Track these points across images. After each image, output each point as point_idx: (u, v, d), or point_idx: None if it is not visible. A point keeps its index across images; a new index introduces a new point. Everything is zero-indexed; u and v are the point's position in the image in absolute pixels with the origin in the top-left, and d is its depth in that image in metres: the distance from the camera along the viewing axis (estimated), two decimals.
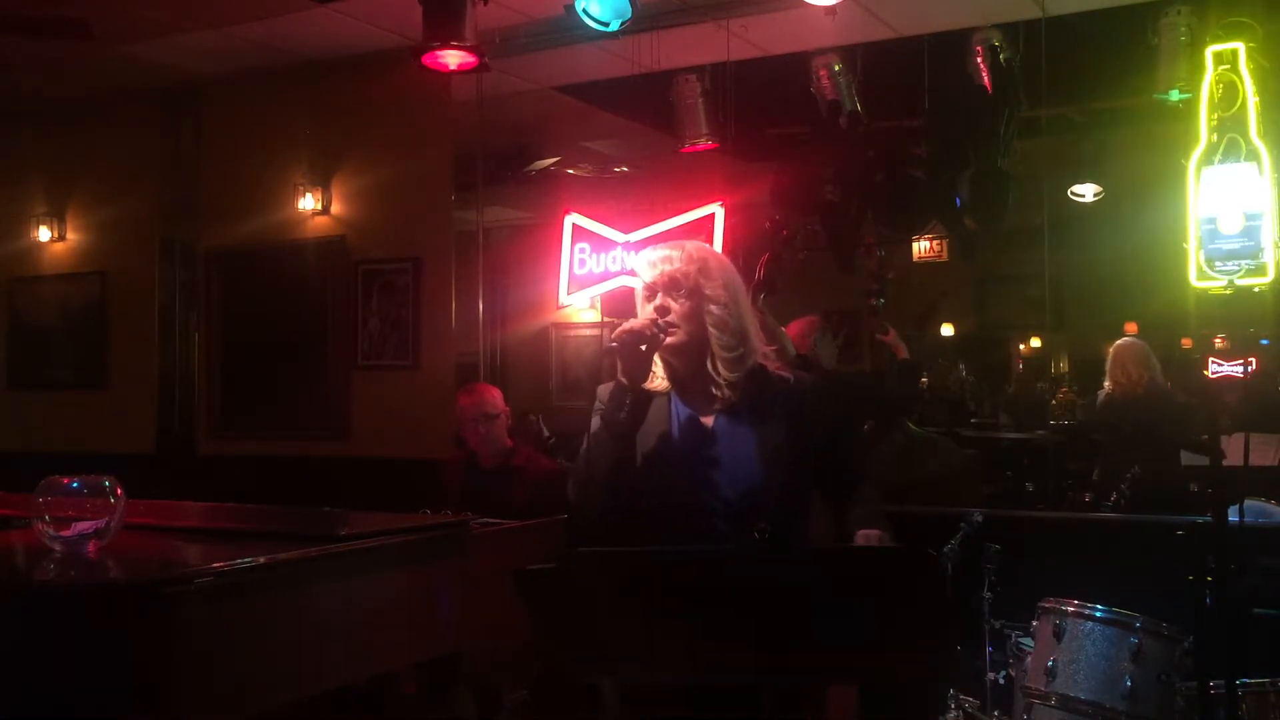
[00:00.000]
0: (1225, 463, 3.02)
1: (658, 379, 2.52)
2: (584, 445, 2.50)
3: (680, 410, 2.51)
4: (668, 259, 2.48)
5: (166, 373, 6.83)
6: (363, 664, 2.82)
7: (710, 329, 2.45)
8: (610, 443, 2.43)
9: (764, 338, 2.59)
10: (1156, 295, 6.02)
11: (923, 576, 1.90)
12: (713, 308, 2.45)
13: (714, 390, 2.47)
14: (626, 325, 2.42)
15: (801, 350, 5.06)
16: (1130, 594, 3.43)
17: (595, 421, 2.48)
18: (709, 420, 2.49)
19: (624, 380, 2.42)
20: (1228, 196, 4.67)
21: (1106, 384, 5.96)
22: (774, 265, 6.58)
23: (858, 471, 2.60)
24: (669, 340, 2.44)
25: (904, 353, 5.38)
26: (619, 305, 6.30)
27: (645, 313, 2.47)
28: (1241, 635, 2.89)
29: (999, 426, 8.57)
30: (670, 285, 2.46)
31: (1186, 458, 5.08)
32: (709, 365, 2.46)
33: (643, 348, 2.41)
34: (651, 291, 2.48)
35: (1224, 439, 4.37)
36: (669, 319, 2.44)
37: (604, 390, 2.48)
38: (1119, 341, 6.00)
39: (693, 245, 2.55)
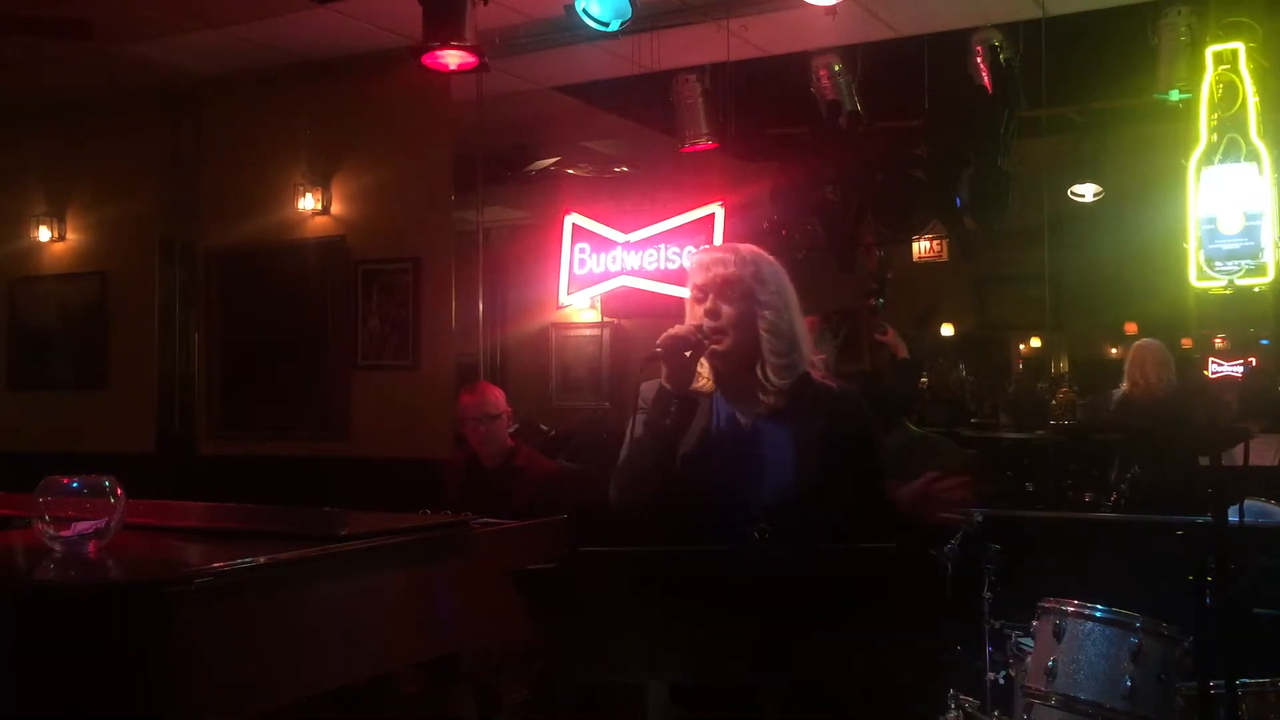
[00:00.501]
0: (1225, 463, 3.01)
1: (703, 379, 2.51)
2: (625, 448, 2.48)
3: (722, 410, 2.50)
4: (721, 261, 2.47)
5: (166, 373, 6.83)
6: (363, 664, 2.82)
7: (763, 334, 2.43)
8: (654, 448, 2.42)
9: (812, 346, 2.58)
10: (1156, 295, 6.02)
11: (923, 576, 1.90)
12: (766, 313, 2.43)
13: (760, 395, 2.45)
14: (671, 331, 2.41)
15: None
16: (1130, 594, 3.43)
17: (638, 421, 2.46)
18: (751, 423, 2.48)
19: (668, 385, 2.41)
20: (1228, 196, 4.67)
21: (1124, 384, 5.93)
22: None
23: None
24: (717, 347, 2.43)
25: (903, 352, 5.38)
26: (619, 305, 6.31)
27: (694, 314, 2.46)
28: (1241, 635, 2.89)
29: (999, 426, 8.57)
30: (723, 288, 2.45)
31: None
32: (758, 371, 2.44)
33: (688, 353, 2.41)
34: (703, 293, 2.46)
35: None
36: (719, 324, 2.43)
37: (647, 389, 2.47)
38: (1139, 342, 5.95)
39: (746, 248, 2.53)
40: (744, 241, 2.64)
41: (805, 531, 2.38)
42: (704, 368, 2.50)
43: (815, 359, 2.56)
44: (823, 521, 2.40)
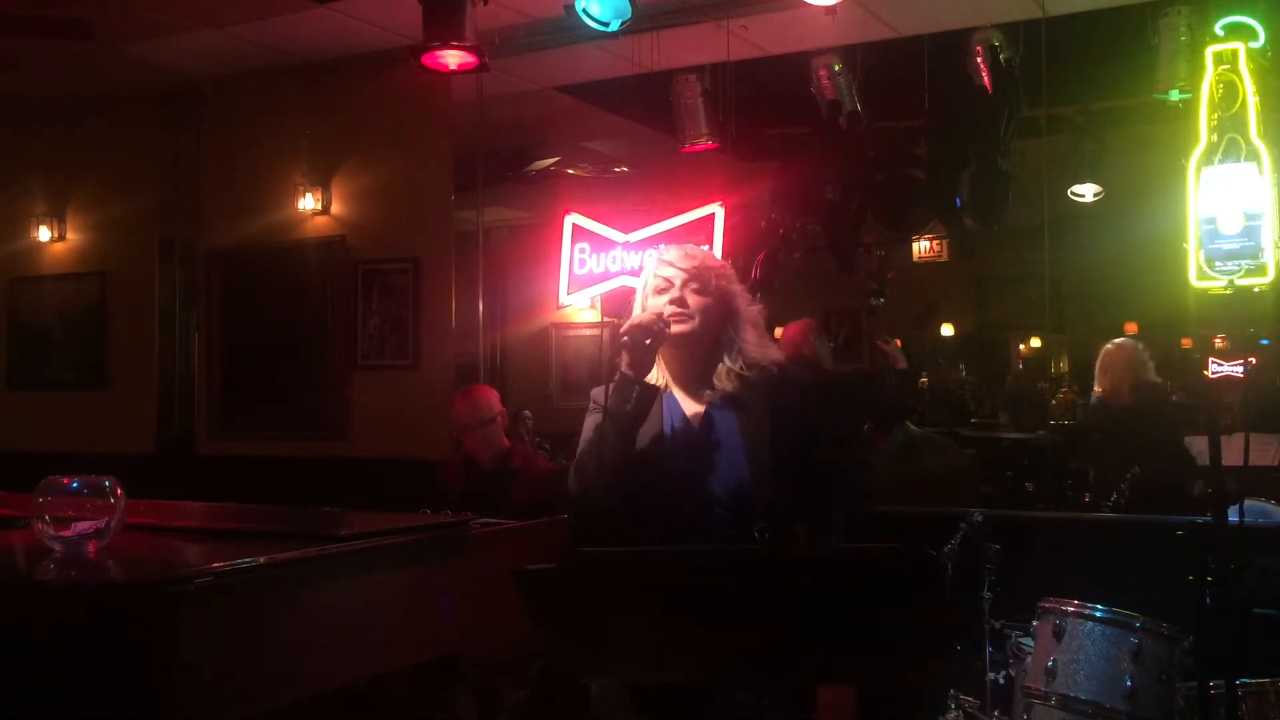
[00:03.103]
0: (1226, 463, 3.01)
1: (653, 374, 2.57)
2: (585, 442, 2.54)
3: (674, 408, 2.57)
4: (692, 255, 2.58)
5: (166, 373, 6.83)
6: (363, 664, 2.82)
7: (744, 321, 2.56)
8: (615, 437, 2.47)
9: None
10: (1156, 295, 6.01)
11: (923, 576, 1.90)
12: (738, 304, 2.57)
13: (715, 383, 2.54)
14: (634, 320, 2.49)
15: (804, 351, 5.09)
16: (1130, 594, 3.43)
17: (589, 423, 2.54)
18: (699, 414, 2.55)
19: (629, 373, 2.47)
20: (1228, 196, 4.66)
21: (1096, 388, 5.94)
22: (770, 264, 6.61)
23: (834, 489, 2.61)
24: (677, 329, 2.51)
25: (902, 363, 5.42)
26: (619, 305, 6.30)
27: (654, 305, 2.55)
28: (1241, 635, 2.89)
29: (999, 426, 8.58)
30: (695, 278, 2.54)
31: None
32: (725, 359, 2.54)
33: (648, 341, 2.47)
34: (669, 283, 2.55)
35: (1224, 438, 4.39)
36: (686, 310, 2.51)
37: (598, 392, 2.54)
38: (1108, 345, 5.96)
39: (714, 255, 2.70)
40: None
41: (760, 515, 2.44)
42: (659, 365, 2.57)
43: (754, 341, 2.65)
44: (778, 506, 2.46)
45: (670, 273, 2.55)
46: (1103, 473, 5.70)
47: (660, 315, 2.49)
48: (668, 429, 2.53)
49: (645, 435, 2.52)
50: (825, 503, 2.53)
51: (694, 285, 2.53)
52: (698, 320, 2.52)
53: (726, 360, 2.53)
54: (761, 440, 2.48)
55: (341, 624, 2.70)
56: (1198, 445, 4.27)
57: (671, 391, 2.58)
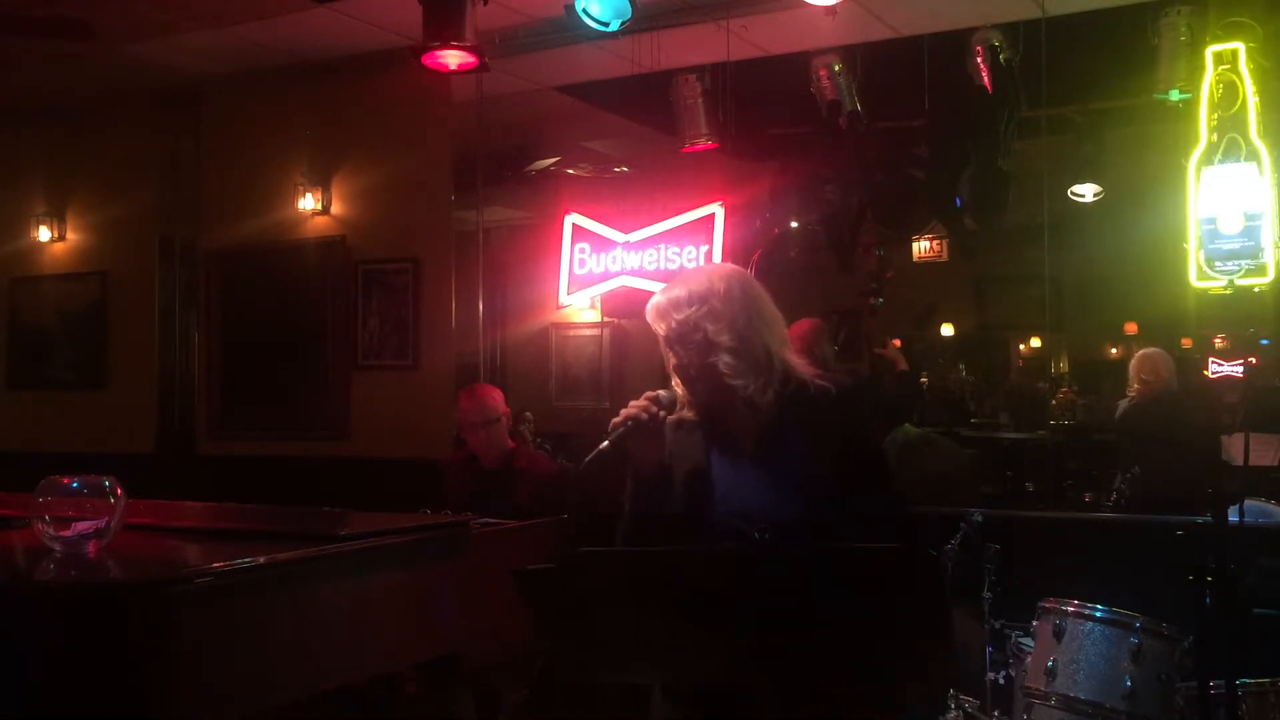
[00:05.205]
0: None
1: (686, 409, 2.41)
2: (623, 528, 2.38)
3: (716, 439, 2.41)
4: (674, 305, 2.33)
5: (166, 373, 6.83)
6: (363, 664, 2.82)
7: (724, 376, 2.30)
8: (645, 521, 2.35)
9: (793, 346, 2.43)
10: (1156, 295, 6.02)
11: (923, 576, 1.90)
12: (725, 357, 2.29)
13: (750, 417, 2.35)
14: (618, 420, 2.30)
15: (817, 352, 5.11)
16: (1130, 594, 3.43)
17: (606, 447, 2.32)
18: (743, 452, 2.38)
19: (638, 469, 2.34)
20: (1228, 196, 4.66)
21: (1134, 387, 5.93)
22: (767, 263, 6.62)
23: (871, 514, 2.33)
24: (687, 411, 2.35)
25: (903, 364, 5.43)
26: (619, 305, 6.31)
27: (667, 358, 2.37)
28: (1241, 635, 2.89)
29: (999, 426, 8.58)
30: (680, 338, 2.33)
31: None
32: (739, 401, 2.33)
33: (647, 424, 2.31)
34: (668, 345, 2.36)
35: (1225, 438, 4.40)
36: (690, 375, 2.33)
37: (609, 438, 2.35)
38: (1143, 350, 6.01)
39: (699, 281, 2.37)
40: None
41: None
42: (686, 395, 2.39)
43: (799, 360, 2.41)
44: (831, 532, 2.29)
45: (661, 332, 2.35)
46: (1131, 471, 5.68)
47: (654, 398, 2.30)
48: (709, 474, 2.37)
49: (685, 478, 2.37)
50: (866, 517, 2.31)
51: (684, 346, 2.31)
52: (701, 388, 2.33)
53: (740, 403, 2.33)
54: (817, 469, 2.30)
55: (341, 624, 2.70)
56: (1234, 446, 4.26)
57: (713, 425, 2.41)
